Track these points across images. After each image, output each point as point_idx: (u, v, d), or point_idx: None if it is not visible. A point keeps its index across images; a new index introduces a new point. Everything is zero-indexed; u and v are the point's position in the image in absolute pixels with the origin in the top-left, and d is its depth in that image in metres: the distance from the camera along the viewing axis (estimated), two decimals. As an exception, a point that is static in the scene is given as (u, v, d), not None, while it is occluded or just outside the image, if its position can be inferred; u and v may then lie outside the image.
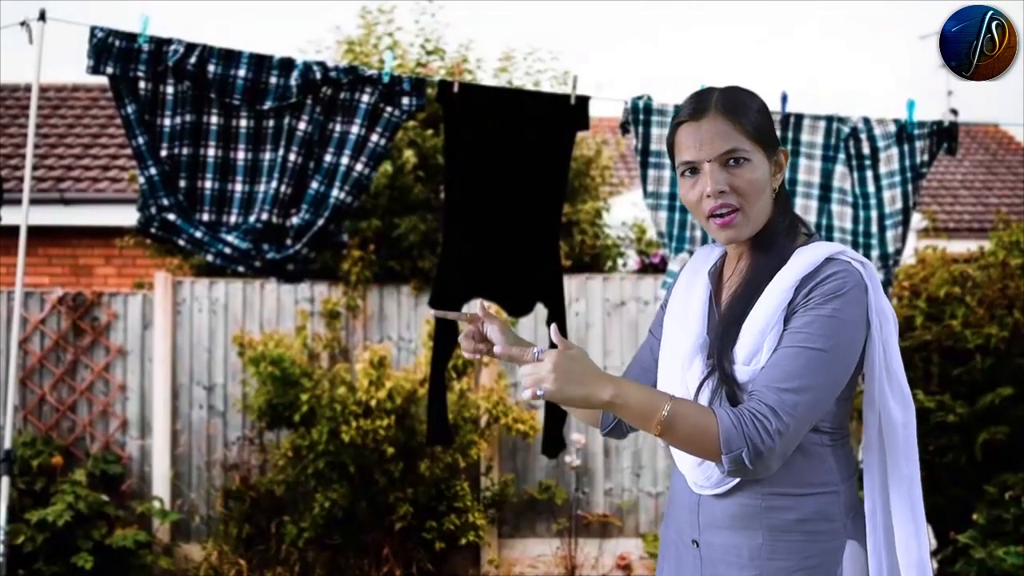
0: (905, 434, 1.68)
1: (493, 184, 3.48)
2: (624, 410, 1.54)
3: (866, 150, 3.57)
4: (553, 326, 1.58)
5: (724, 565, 1.66)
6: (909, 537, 1.66)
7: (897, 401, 1.67)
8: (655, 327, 1.90)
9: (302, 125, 3.46)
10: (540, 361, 1.52)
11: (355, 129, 3.48)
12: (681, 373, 1.68)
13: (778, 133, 2.50)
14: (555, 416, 3.62)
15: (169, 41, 3.39)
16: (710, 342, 1.66)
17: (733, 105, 1.66)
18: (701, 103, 1.68)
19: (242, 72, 3.43)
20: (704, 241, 3.53)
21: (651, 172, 3.54)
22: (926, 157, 3.61)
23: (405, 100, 3.50)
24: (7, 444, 3.66)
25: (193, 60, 3.39)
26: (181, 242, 3.48)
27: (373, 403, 5.21)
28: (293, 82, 3.43)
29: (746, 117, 1.66)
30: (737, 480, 1.63)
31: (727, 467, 1.53)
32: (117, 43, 3.35)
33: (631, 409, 1.54)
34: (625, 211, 7.12)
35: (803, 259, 1.64)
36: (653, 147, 3.53)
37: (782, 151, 1.73)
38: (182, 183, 3.45)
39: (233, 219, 3.50)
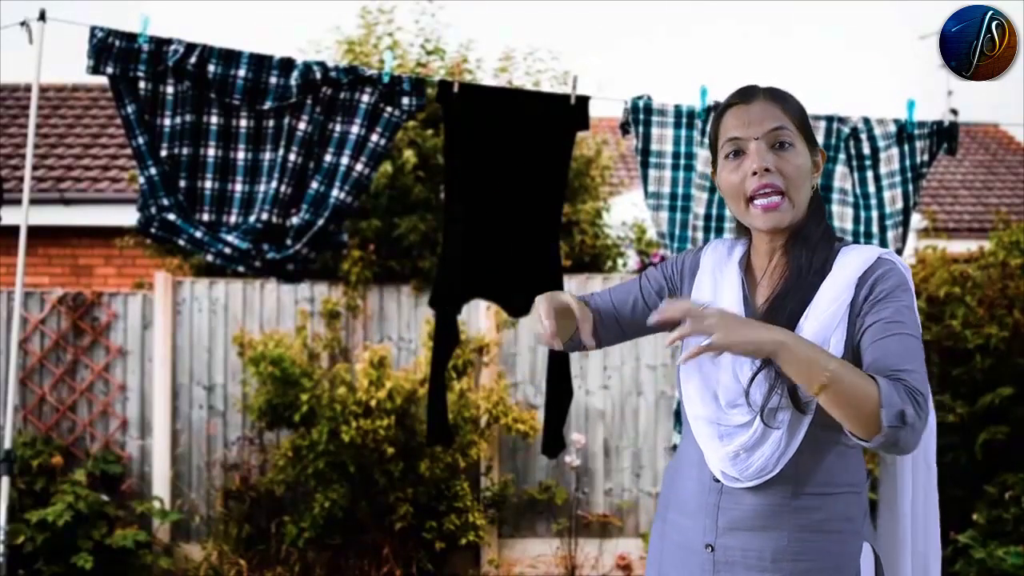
0: (932, 437, 1.69)
1: (493, 184, 3.47)
2: (792, 357, 1.49)
3: (866, 150, 3.57)
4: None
5: (744, 568, 1.63)
6: (924, 537, 1.68)
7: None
8: (649, 286, 1.87)
9: (302, 125, 3.46)
10: (703, 313, 1.51)
11: (355, 129, 3.48)
12: (730, 364, 1.66)
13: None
14: (555, 416, 3.62)
15: (169, 41, 3.39)
16: None
17: (779, 95, 1.71)
18: (748, 91, 1.72)
19: (242, 72, 3.43)
20: (704, 242, 3.52)
21: (652, 172, 3.54)
22: (926, 157, 3.60)
23: (405, 100, 3.50)
24: (7, 444, 3.66)
25: (193, 60, 3.39)
26: (181, 242, 3.48)
27: (373, 403, 5.21)
28: (293, 82, 3.43)
29: (792, 105, 1.71)
30: (770, 475, 1.62)
31: (886, 423, 1.46)
32: (117, 43, 3.35)
33: (799, 357, 1.49)
34: (625, 211, 7.11)
35: (856, 257, 1.65)
36: (653, 147, 3.53)
37: (820, 151, 1.75)
38: (182, 183, 3.45)
39: (233, 219, 3.50)
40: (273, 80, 3.45)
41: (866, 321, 1.58)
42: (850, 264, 1.64)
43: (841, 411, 1.49)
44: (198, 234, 3.44)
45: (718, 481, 1.68)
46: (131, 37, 3.36)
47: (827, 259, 1.66)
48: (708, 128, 3.44)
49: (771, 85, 1.74)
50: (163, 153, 3.42)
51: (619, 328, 1.89)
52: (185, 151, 3.43)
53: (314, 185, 3.48)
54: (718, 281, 1.77)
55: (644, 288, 1.87)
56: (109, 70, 3.35)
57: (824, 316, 1.60)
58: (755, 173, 1.64)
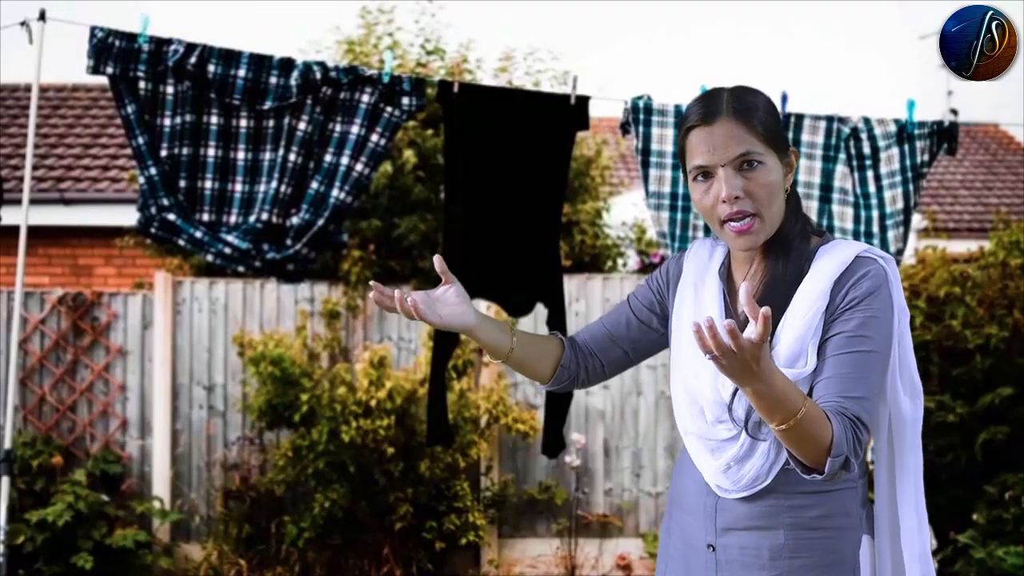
0: (913, 428, 1.69)
1: (493, 184, 3.47)
2: (765, 394, 1.42)
3: (867, 150, 3.57)
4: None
5: (743, 567, 1.65)
6: (913, 530, 1.68)
7: (908, 394, 1.68)
8: (638, 301, 1.87)
9: (302, 125, 3.46)
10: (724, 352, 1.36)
11: (355, 129, 3.48)
12: (712, 379, 1.66)
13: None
14: (555, 416, 3.62)
15: (169, 41, 3.39)
16: None
17: (744, 108, 1.63)
18: (711, 107, 1.64)
19: (242, 72, 3.42)
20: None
21: (652, 172, 3.53)
22: (926, 157, 3.60)
23: (405, 100, 3.49)
24: (7, 444, 3.66)
25: (193, 60, 3.39)
26: (181, 242, 3.48)
27: (373, 403, 5.21)
28: (293, 82, 3.43)
29: (757, 119, 1.63)
30: (763, 485, 1.63)
31: (828, 469, 1.48)
32: (117, 43, 3.34)
33: (773, 394, 1.42)
34: (625, 211, 7.11)
35: (832, 260, 1.63)
36: (653, 147, 3.53)
37: (792, 151, 1.72)
38: (182, 183, 3.45)
39: (233, 219, 3.50)
40: (273, 80, 3.44)
41: (833, 329, 1.58)
42: (826, 268, 1.62)
43: (790, 447, 1.50)
44: (198, 234, 3.44)
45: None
46: (131, 37, 3.36)
47: (803, 261, 1.65)
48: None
49: (735, 94, 1.66)
50: (163, 153, 3.42)
51: (619, 349, 1.87)
52: (185, 151, 3.43)
53: (314, 185, 3.48)
54: (699, 292, 1.76)
55: (634, 305, 1.88)
56: (109, 70, 3.35)
57: (800, 325, 1.60)
58: (724, 201, 1.62)
